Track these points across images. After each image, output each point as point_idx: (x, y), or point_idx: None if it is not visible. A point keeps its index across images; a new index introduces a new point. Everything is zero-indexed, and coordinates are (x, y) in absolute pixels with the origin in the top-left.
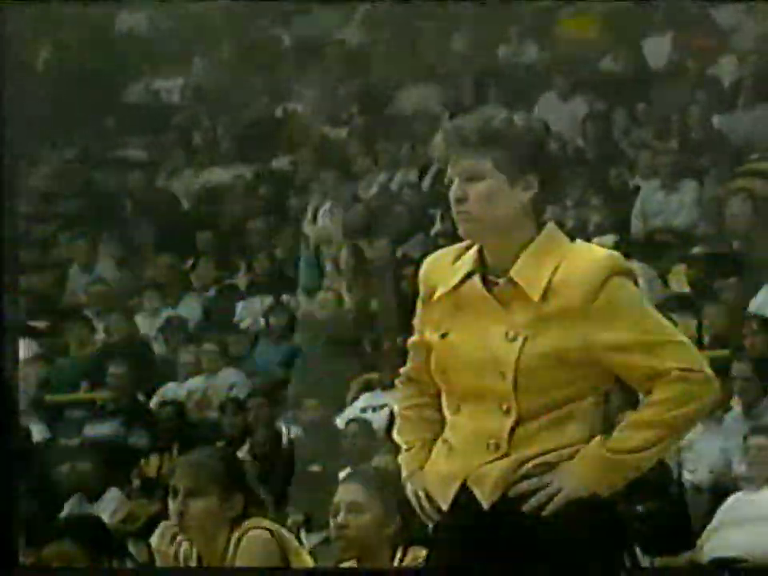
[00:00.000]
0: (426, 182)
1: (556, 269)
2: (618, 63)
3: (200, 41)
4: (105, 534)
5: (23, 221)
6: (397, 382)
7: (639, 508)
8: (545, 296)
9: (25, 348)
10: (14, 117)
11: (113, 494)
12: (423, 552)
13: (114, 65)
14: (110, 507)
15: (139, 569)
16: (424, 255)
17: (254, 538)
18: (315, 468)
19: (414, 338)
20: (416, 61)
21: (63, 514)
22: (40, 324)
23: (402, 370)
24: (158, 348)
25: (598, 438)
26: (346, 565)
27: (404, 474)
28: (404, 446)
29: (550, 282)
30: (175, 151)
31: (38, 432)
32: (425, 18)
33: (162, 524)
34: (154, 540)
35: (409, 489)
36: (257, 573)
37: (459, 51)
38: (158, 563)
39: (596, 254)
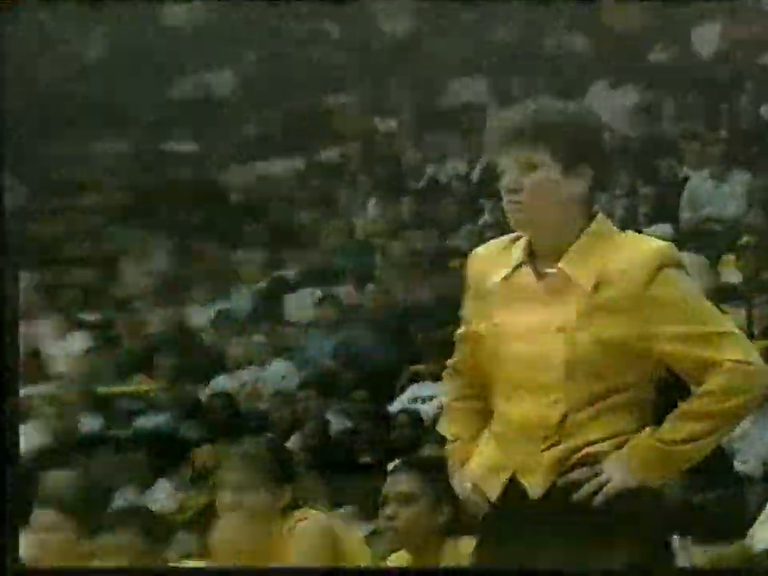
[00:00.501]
0: (476, 174)
1: (607, 260)
2: (667, 53)
3: (249, 34)
4: (156, 524)
5: (76, 214)
6: (444, 373)
7: (695, 499)
8: (596, 287)
9: (77, 341)
10: (64, 111)
11: (163, 485)
12: (472, 543)
13: (163, 58)
14: (160, 498)
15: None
16: (473, 247)
17: (305, 527)
18: (365, 459)
19: (461, 330)
20: (464, 52)
21: (114, 504)
22: (92, 317)
23: (448, 361)
24: (209, 340)
25: (648, 428)
26: (394, 556)
27: (450, 465)
28: (450, 438)
29: (600, 272)
30: (225, 144)
31: (89, 423)
32: (472, 9)
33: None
34: (214, 533)
35: (455, 480)
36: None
37: (507, 42)
38: (213, 557)
39: (648, 244)
